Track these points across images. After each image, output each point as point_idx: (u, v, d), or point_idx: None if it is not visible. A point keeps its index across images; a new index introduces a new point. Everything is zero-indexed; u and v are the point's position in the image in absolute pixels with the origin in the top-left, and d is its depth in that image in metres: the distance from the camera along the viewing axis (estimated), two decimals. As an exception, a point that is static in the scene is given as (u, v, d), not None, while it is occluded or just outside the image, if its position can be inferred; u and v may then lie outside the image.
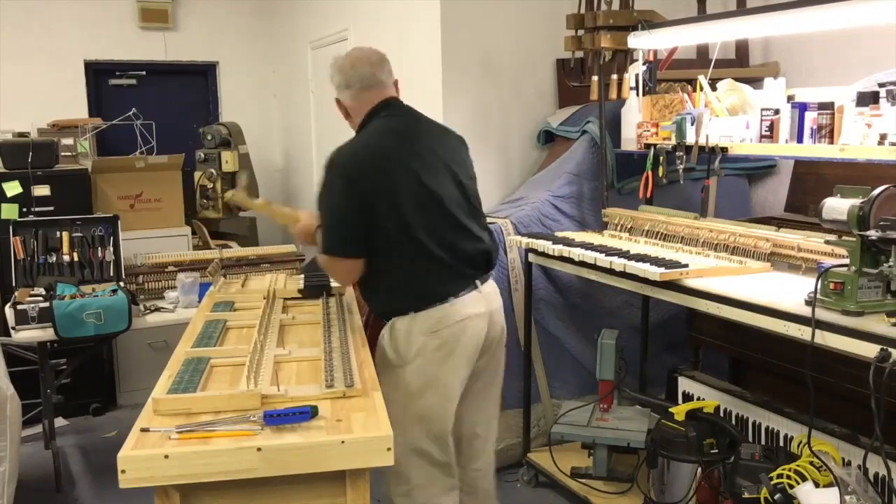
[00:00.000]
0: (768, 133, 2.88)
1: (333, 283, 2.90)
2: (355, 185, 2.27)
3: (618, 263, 2.85)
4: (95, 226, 3.92)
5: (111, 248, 3.88)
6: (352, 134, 2.50)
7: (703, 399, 3.17)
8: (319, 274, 3.06)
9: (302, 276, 3.18)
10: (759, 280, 2.64)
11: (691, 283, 2.63)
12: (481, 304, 2.41)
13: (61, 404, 4.18)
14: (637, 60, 3.46)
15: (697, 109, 3.18)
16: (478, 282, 2.41)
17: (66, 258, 3.84)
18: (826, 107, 2.69)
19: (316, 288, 2.88)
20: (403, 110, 2.48)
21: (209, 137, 5.56)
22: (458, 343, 2.34)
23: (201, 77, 6.56)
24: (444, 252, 2.33)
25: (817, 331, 2.14)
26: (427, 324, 2.31)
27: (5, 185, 4.14)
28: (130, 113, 5.23)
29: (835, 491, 2.23)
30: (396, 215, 2.28)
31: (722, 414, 3.01)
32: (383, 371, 2.31)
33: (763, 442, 2.90)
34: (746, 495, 2.49)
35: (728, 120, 3.09)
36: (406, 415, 2.32)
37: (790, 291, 2.40)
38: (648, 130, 3.39)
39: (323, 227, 2.36)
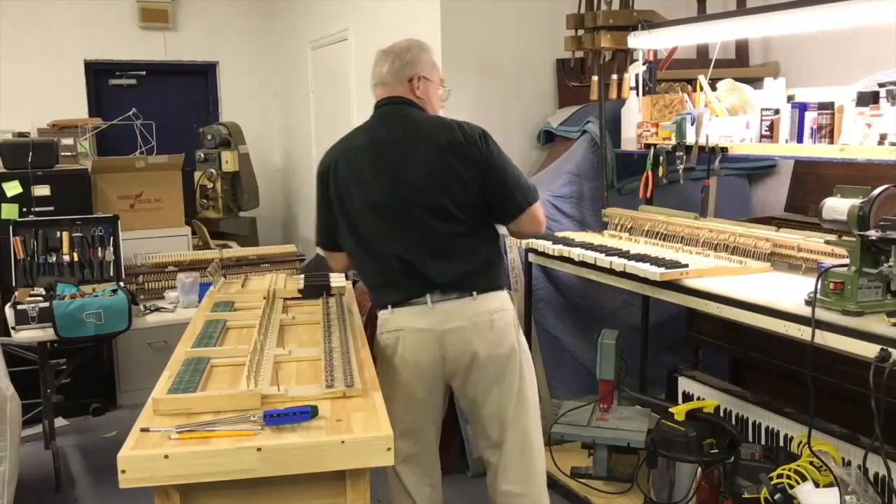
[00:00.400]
0: (768, 133, 2.88)
1: (333, 283, 2.91)
2: (322, 180, 2.41)
3: (618, 263, 2.86)
4: (95, 226, 3.92)
5: (111, 248, 3.88)
6: None
7: (703, 399, 3.17)
8: (319, 274, 3.06)
9: (302, 276, 3.18)
10: (760, 280, 2.64)
11: (691, 283, 2.63)
12: (425, 320, 2.31)
13: (61, 404, 4.18)
14: (637, 60, 3.46)
15: (697, 109, 3.18)
16: (428, 296, 2.31)
17: (66, 258, 3.83)
18: (826, 107, 2.69)
19: (316, 288, 2.88)
20: (390, 112, 2.40)
21: (209, 137, 5.56)
22: (396, 351, 2.34)
23: (201, 77, 6.56)
24: (386, 261, 2.34)
25: (817, 331, 2.14)
26: (379, 322, 2.42)
27: (5, 185, 4.13)
28: (130, 113, 5.23)
29: (835, 491, 2.23)
30: (347, 216, 2.37)
31: (722, 414, 3.01)
32: None
33: (763, 442, 2.90)
34: (746, 495, 2.50)
35: (728, 120, 3.09)
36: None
37: (790, 291, 2.40)
38: (648, 130, 3.39)
39: None
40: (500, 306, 2.39)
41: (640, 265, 2.74)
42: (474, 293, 2.34)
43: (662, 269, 2.67)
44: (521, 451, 2.43)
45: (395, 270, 2.33)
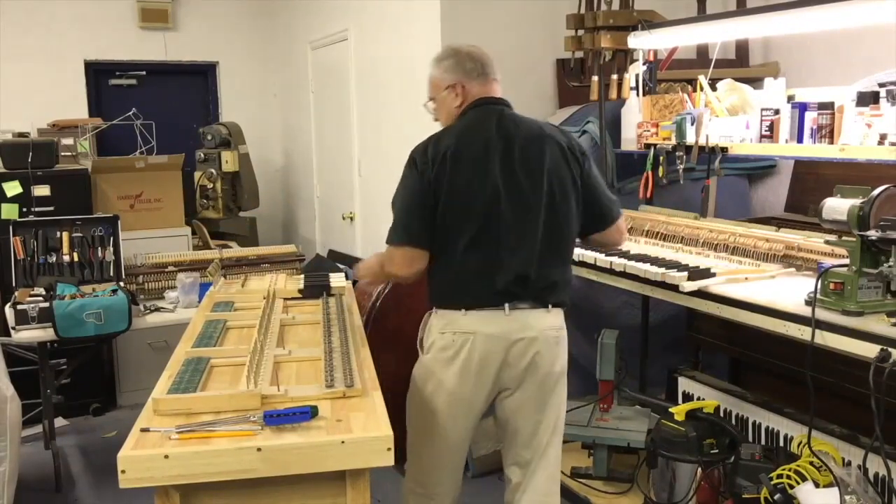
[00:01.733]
0: (768, 133, 2.88)
1: (333, 283, 2.91)
2: (425, 169, 2.24)
3: (618, 263, 2.86)
4: (95, 226, 3.92)
5: (111, 248, 3.88)
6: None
7: (703, 399, 3.17)
8: (319, 274, 3.06)
9: (301, 276, 3.19)
10: (769, 282, 2.61)
11: (716, 290, 2.59)
12: (498, 326, 2.26)
13: (61, 404, 4.18)
14: (637, 60, 3.46)
15: (697, 109, 3.18)
16: (507, 304, 2.25)
17: (66, 258, 3.83)
18: (826, 107, 2.69)
19: (316, 288, 2.88)
20: (497, 111, 2.35)
21: (209, 137, 5.57)
22: (460, 353, 2.26)
23: (201, 77, 6.56)
24: (486, 260, 2.25)
25: (817, 331, 2.14)
26: (441, 322, 2.31)
27: (5, 185, 4.14)
28: (130, 113, 5.23)
29: (835, 491, 2.23)
30: (454, 209, 2.24)
31: (722, 414, 3.01)
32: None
33: (763, 442, 2.91)
34: (746, 495, 2.50)
35: (728, 120, 3.09)
36: (412, 417, 2.37)
37: (790, 291, 2.40)
38: (648, 130, 3.39)
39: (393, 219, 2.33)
40: (563, 324, 2.39)
41: (670, 272, 2.64)
42: (549, 306, 2.31)
43: (692, 283, 2.56)
44: (547, 477, 2.43)
45: (485, 273, 2.25)
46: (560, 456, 2.47)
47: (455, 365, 2.27)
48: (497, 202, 2.23)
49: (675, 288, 2.59)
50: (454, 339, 2.27)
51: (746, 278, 2.60)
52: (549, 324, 2.31)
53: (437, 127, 2.44)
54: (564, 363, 2.40)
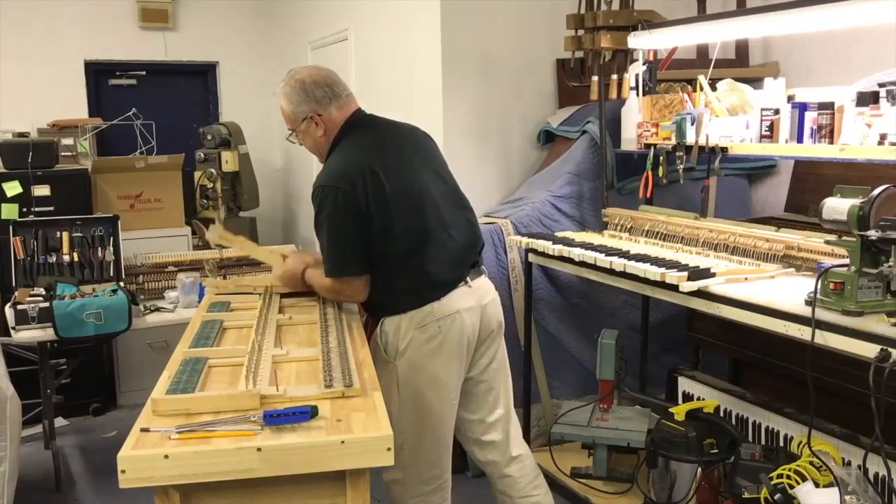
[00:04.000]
0: (768, 133, 2.88)
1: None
2: (348, 201, 2.29)
3: (618, 263, 2.85)
4: (95, 226, 3.92)
5: (111, 248, 3.88)
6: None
7: (703, 399, 3.17)
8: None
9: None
10: (769, 282, 2.61)
11: (716, 290, 2.59)
12: (471, 299, 2.46)
13: (61, 404, 4.19)
14: (637, 60, 3.46)
15: (697, 109, 3.18)
16: (468, 277, 2.46)
17: (66, 258, 3.83)
18: (826, 107, 2.69)
19: None
20: (371, 120, 2.57)
21: (209, 137, 5.56)
22: (447, 337, 2.39)
23: (201, 77, 6.56)
24: (434, 255, 2.40)
25: (817, 331, 2.14)
26: (416, 319, 2.38)
27: (5, 185, 4.14)
28: (130, 113, 5.24)
29: (835, 491, 2.23)
30: (394, 219, 2.34)
31: (722, 414, 3.01)
32: (379, 371, 2.32)
33: (763, 442, 2.90)
34: (746, 495, 2.50)
35: (728, 120, 3.09)
36: (402, 414, 2.37)
37: (790, 291, 2.40)
38: (648, 130, 3.39)
39: (324, 252, 2.40)
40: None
41: (670, 272, 2.63)
42: (483, 269, 2.58)
43: (692, 283, 2.56)
44: (517, 425, 2.72)
45: (452, 256, 2.44)
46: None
47: (444, 350, 2.38)
48: (430, 196, 2.42)
49: (675, 288, 2.59)
50: (440, 326, 2.37)
51: (746, 278, 2.60)
52: (489, 283, 2.60)
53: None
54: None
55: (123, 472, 1.58)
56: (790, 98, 2.94)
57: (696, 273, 2.60)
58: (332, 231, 2.33)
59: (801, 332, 2.18)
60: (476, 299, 2.47)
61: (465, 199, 2.61)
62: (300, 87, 2.45)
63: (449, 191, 2.53)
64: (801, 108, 2.74)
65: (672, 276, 2.59)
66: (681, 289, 2.55)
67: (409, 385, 2.39)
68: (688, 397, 3.30)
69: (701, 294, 2.55)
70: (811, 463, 2.38)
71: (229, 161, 5.47)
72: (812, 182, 3.55)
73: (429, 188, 2.44)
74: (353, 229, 2.32)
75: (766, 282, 2.60)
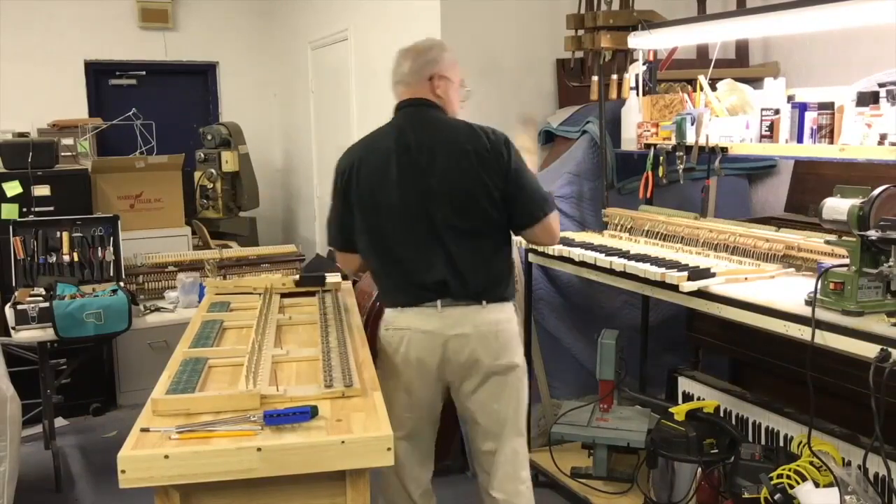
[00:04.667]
0: (768, 133, 2.88)
1: (329, 279, 2.93)
2: (341, 178, 2.40)
3: (618, 263, 2.85)
4: (95, 226, 3.92)
5: (111, 248, 3.88)
6: None
7: (703, 399, 3.17)
8: (317, 274, 3.07)
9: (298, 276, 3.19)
10: (769, 282, 2.61)
11: (717, 290, 2.58)
12: (432, 323, 2.32)
13: (61, 404, 4.18)
14: (637, 60, 3.46)
15: (697, 109, 3.18)
16: (439, 301, 2.31)
17: (66, 258, 3.83)
18: (826, 107, 2.69)
19: (312, 278, 2.91)
20: (413, 114, 2.40)
21: (209, 137, 5.57)
22: (398, 349, 2.36)
23: (201, 77, 6.56)
24: (401, 264, 2.35)
25: (817, 331, 2.14)
26: (385, 319, 2.44)
27: (5, 185, 4.14)
28: (130, 113, 5.24)
29: (835, 491, 2.23)
30: (367, 216, 2.36)
31: (722, 414, 3.01)
32: None
33: (763, 442, 2.90)
34: (746, 495, 2.50)
35: (728, 120, 3.09)
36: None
37: (790, 291, 2.40)
38: (648, 130, 3.39)
39: None
40: (507, 318, 2.40)
41: (670, 272, 2.62)
42: (483, 302, 2.34)
43: (692, 283, 2.54)
44: (512, 462, 2.46)
45: (410, 273, 2.34)
46: (523, 452, 2.50)
47: (398, 358, 2.38)
48: (394, 212, 2.31)
49: (675, 288, 2.59)
50: (393, 335, 2.38)
51: (746, 278, 2.60)
52: (483, 319, 2.34)
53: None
54: (513, 356, 2.41)
55: (123, 472, 1.58)
56: (790, 98, 2.94)
57: (697, 273, 2.60)
58: (331, 203, 2.48)
59: (801, 332, 2.18)
60: (439, 325, 2.32)
61: (470, 221, 2.31)
62: (397, 55, 2.45)
63: (438, 210, 2.29)
64: (801, 108, 2.74)
65: (672, 276, 2.59)
66: (681, 289, 2.55)
67: (381, 366, 2.38)
68: (688, 397, 3.30)
69: (701, 294, 2.55)
70: (811, 463, 2.38)
71: (229, 161, 5.47)
72: (812, 182, 3.55)
73: (400, 204, 2.30)
74: (338, 206, 2.42)
75: (766, 282, 2.60)
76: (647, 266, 2.73)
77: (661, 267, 2.70)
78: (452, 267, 2.31)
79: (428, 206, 2.30)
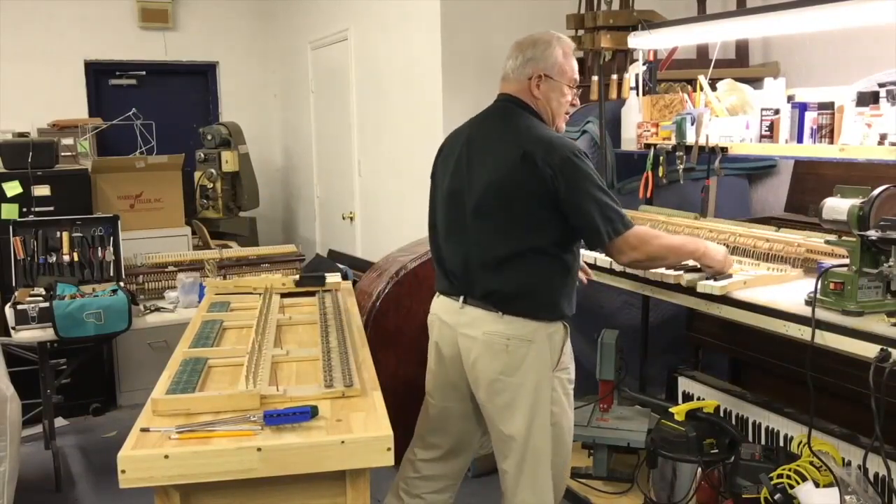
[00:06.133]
0: (768, 133, 2.88)
1: (328, 280, 2.93)
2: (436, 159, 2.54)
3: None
4: (95, 226, 3.91)
5: (111, 248, 3.87)
6: None
7: (703, 399, 3.17)
8: (317, 273, 3.07)
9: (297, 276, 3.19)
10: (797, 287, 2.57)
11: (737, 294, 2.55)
12: (452, 316, 2.37)
13: (61, 404, 4.18)
14: (637, 60, 3.46)
15: (697, 109, 3.18)
16: (462, 297, 2.33)
17: (66, 258, 3.83)
18: (826, 107, 2.69)
19: (311, 278, 2.91)
20: (497, 110, 2.38)
21: (209, 137, 5.57)
22: (432, 333, 2.50)
23: (201, 77, 6.56)
24: (443, 253, 2.46)
25: (817, 331, 2.14)
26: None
27: (5, 185, 4.13)
28: (130, 113, 5.24)
29: (835, 491, 2.23)
30: (431, 199, 2.53)
31: (722, 414, 3.01)
32: None
33: (763, 442, 2.90)
34: (746, 495, 2.50)
35: (728, 120, 3.09)
36: None
37: (790, 291, 2.40)
38: (648, 130, 3.39)
39: None
40: (525, 336, 2.28)
41: (696, 276, 2.56)
42: (501, 312, 2.26)
43: (722, 283, 2.46)
44: (532, 472, 2.37)
45: (448, 264, 2.42)
46: (542, 483, 2.39)
47: (431, 341, 2.50)
48: (449, 201, 2.39)
49: (676, 288, 2.59)
50: (431, 319, 2.51)
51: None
52: (496, 329, 2.26)
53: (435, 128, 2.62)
54: (525, 376, 2.29)
55: (123, 472, 1.58)
56: (790, 98, 2.94)
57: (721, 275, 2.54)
58: None
59: (801, 332, 2.18)
60: (456, 321, 2.34)
61: (497, 232, 2.26)
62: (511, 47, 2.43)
63: (482, 212, 2.26)
64: (801, 108, 2.74)
65: (705, 285, 2.49)
66: (703, 290, 2.51)
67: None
68: (688, 397, 3.30)
69: (701, 294, 2.55)
70: (811, 463, 2.38)
71: (229, 161, 5.47)
72: (812, 182, 3.55)
73: (446, 193, 2.40)
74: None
75: (774, 284, 2.59)
76: (699, 278, 2.67)
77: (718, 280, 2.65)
78: (479, 269, 2.29)
79: (467, 204, 2.32)
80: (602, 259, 2.93)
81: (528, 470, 2.36)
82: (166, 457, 1.59)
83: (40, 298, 3.44)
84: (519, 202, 2.22)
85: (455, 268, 2.37)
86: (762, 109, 2.93)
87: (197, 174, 5.44)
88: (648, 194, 3.41)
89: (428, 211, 2.54)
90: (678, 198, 3.59)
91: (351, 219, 5.23)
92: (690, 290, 2.58)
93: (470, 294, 2.32)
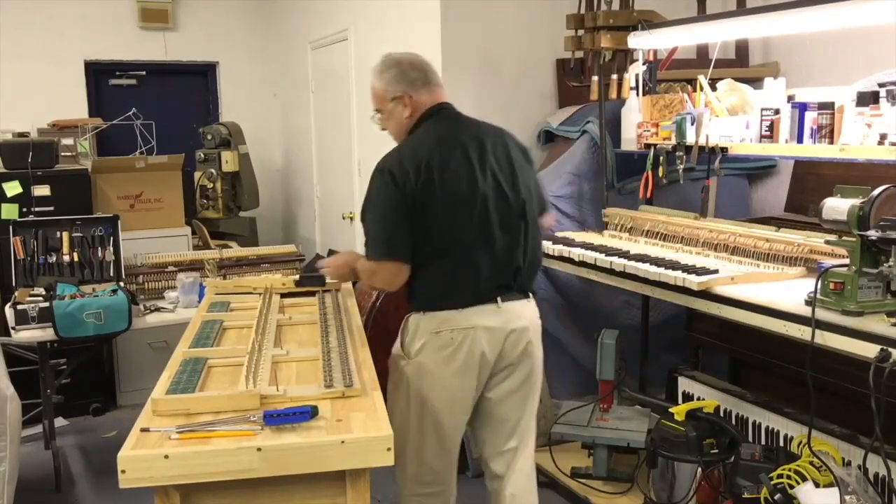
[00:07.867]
0: (768, 133, 2.88)
1: (328, 280, 2.92)
2: (400, 184, 2.27)
3: (618, 263, 2.85)
4: (95, 226, 3.91)
5: (111, 248, 3.88)
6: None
7: (703, 399, 3.17)
8: (317, 273, 3.07)
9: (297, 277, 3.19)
10: (769, 282, 2.60)
11: (721, 290, 2.56)
12: (495, 318, 2.33)
13: (61, 404, 4.18)
14: (637, 60, 3.46)
15: (697, 109, 3.18)
16: (499, 297, 2.33)
17: (66, 258, 3.83)
18: (826, 107, 2.69)
19: (310, 279, 2.90)
20: (452, 114, 2.45)
21: (209, 137, 5.57)
22: (459, 349, 2.30)
23: (201, 77, 6.56)
24: (470, 263, 2.31)
25: (817, 331, 2.14)
26: (433, 323, 2.32)
27: (5, 185, 4.14)
28: (130, 113, 5.24)
29: (835, 491, 2.23)
30: (436, 217, 2.28)
31: (722, 414, 3.01)
32: (392, 366, 2.42)
33: (763, 442, 2.91)
34: (746, 495, 2.50)
35: (728, 120, 3.09)
36: (409, 418, 2.36)
37: (790, 291, 2.40)
38: (648, 130, 3.39)
39: (367, 233, 2.39)
40: (538, 312, 2.50)
41: (674, 273, 2.63)
42: (530, 294, 2.45)
43: (701, 278, 2.53)
44: (530, 460, 2.53)
45: (478, 271, 2.31)
46: (534, 444, 2.58)
47: (455, 361, 2.31)
48: (485, 204, 2.31)
49: (677, 288, 2.59)
50: (453, 337, 2.31)
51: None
52: (534, 313, 2.46)
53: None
54: (540, 350, 2.50)
55: (123, 472, 1.58)
56: (790, 98, 2.94)
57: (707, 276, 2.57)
58: (378, 212, 2.33)
59: (801, 332, 2.18)
60: (501, 321, 2.34)
61: (533, 215, 2.42)
62: (397, 67, 2.41)
63: (511, 205, 2.35)
64: (801, 108, 2.74)
65: (682, 279, 2.58)
66: (677, 283, 2.56)
67: (417, 387, 2.34)
68: (688, 397, 3.30)
69: (701, 294, 2.55)
70: (811, 463, 2.38)
71: (229, 161, 5.47)
72: (812, 182, 3.55)
73: (481, 199, 2.30)
74: (397, 215, 2.28)
75: (766, 282, 2.60)
76: (647, 266, 2.73)
77: (660, 267, 2.70)
78: (522, 261, 2.39)
79: (509, 199, 2.35)
80: (602, 259, 2.93)
81: (528, 437, 2.53)
82: (166, 457, 1.59)
83: (40, 298, 3.45)
84: (534, 191, 2.47)
85: (487, 273, 2.31)
86: (762, 109, 2.93)
87: (197, 174, 5.44)
88: (648, 194, 3.41)
89: (433, 230, 2.30)
90: (678, 198, 3.60)
91: (351, 219, 5.23)
92: (691, 291, 2.59)
93: (510, 290, 2.38)
